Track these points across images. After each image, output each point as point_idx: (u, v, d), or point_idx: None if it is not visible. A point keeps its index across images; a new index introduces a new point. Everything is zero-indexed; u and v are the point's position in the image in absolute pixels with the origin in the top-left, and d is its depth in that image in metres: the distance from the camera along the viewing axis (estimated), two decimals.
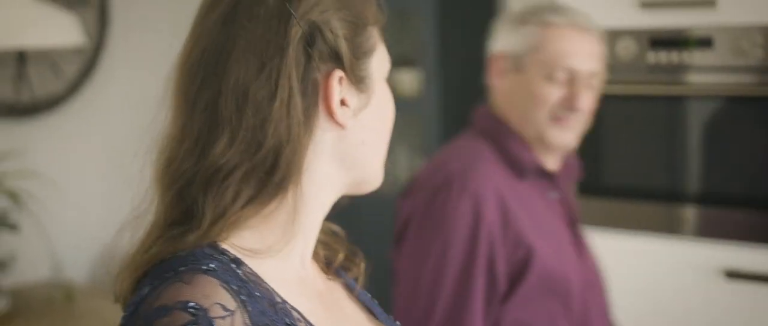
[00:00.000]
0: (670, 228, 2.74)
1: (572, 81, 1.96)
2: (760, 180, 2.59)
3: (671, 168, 2.73)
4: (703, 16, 2.60)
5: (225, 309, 0.95)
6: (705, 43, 2.60)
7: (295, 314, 1.02)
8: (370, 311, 1.22)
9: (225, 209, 1.02)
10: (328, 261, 1.21)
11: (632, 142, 2.79)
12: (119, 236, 1.09)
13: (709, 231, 2.68)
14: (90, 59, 3.85)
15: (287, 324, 1.00)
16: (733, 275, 2.63)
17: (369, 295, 1.23)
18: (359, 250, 1.23)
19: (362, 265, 1.23)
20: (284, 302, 1.02)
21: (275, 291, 1.02)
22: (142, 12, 3.99)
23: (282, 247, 1.05)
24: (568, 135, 2.00)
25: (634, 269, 2.79)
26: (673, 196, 2.72)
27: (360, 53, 1.07)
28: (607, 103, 2.77)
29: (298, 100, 1.02)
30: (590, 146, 2.83)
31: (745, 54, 2.55)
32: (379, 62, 1.10)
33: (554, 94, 1.95)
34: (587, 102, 1.97)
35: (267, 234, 1.05)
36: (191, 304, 0.94)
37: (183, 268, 0.98)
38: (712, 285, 2.66)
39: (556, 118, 1.97)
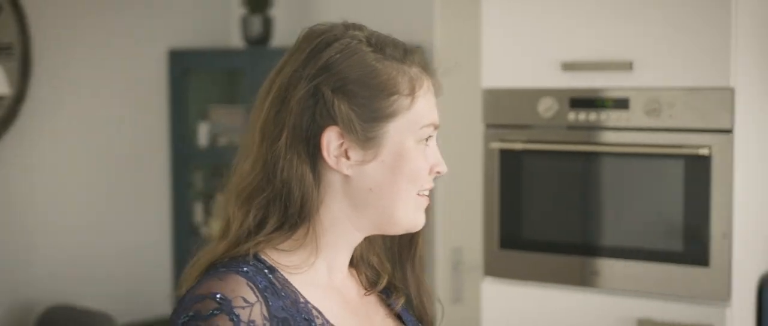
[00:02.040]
0: (587, 280, 2.86)
1: None
2: (671, 235, 2.73)
3: (588, 223, 2.86)
4: (620, 78, 2.76)
5: (246, 301, 1.24)
6: (622, 103, 2.76)
7: (314, 312, 1.30)
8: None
9: (253, 229, 1.31)
10: (371, 281, 1.46)
11: (552, 197, 2.92)
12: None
13: (622, 283, 2.81)
14: (10, 109, 3.83)
15: (305, 318, 1.28)
16: (645, 325, 2.76)
17: (414, 319, 1.48)
18: (425, 287, 1.50)
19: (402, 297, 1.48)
20: (307, 302, 1.30)
21: (300, 294, 1.31)
22: (62, 63, 4.00)
23: (310, 265, 1.33)
24: None
25: (554, 321, 2.90)
26: (590, 250, 2.85)
27: (372, 116, 1.31)
28: (529, 159, 2.91)
29: (300, 145, 1.30)
30: (512, 201, 2.95)
31: (660, 114, 2.71)
32: (402, 126, 1.33)
33: None
34: None
35: (298, 255, 1.33)
36: (219, 295, 1.24)
37: (223, 269, 1.28)
38: None
39: None
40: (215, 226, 1.38)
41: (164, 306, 4.15)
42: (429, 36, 3.69)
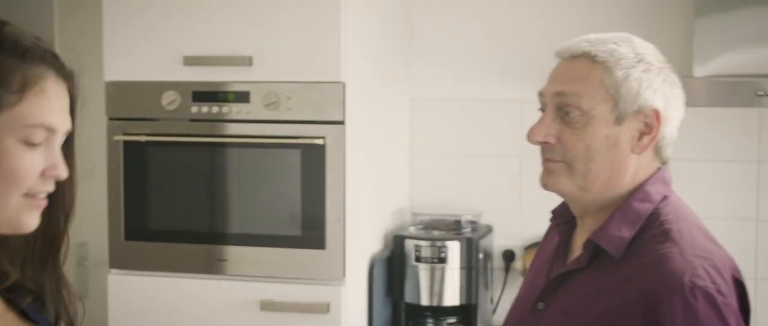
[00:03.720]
0: (214, 267, 2.95)
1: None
2: (291, 221, 2.89)
3: (213, 212, 2.95)
4: (241, 73, 2.87)
5: None
6: (243, 96, 2.88)
7: None
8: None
9: None
10: None
11: (178, 188, 2.98)
12: None
13: (247, 268, 2.94)
14: None
15: None
16: (268, 307, 2.90)
17: (47, 318, 1.45)
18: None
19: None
20: None
21: None
22: None
23: None
24: (542, 174, 1.76)
25: (183, 309, 2.97)
26: (216, 237, 2.95)
27: None
28: (153, 151, 2.96)
29: None
30: (137, 192, 2.98)
31: (278, 107, 2.86)
32: (3, 122, 1.30)
33: None
34: (542, 134, 1.71)
35: None
36: None
37: None
38: (250, 317, 2.91)
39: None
40: None
41: None
42: (50, 29, 3.61)
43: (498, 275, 3.37)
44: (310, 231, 2.89)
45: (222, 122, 2.91)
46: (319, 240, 2.88)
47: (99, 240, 3.37)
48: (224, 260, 2.95)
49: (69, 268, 3.60)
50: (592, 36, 1.73)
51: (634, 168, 1.69)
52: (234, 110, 2.90)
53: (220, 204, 2.95)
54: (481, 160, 3.39)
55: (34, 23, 3.72)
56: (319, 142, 2.84)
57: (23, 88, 1.31)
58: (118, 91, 2.97)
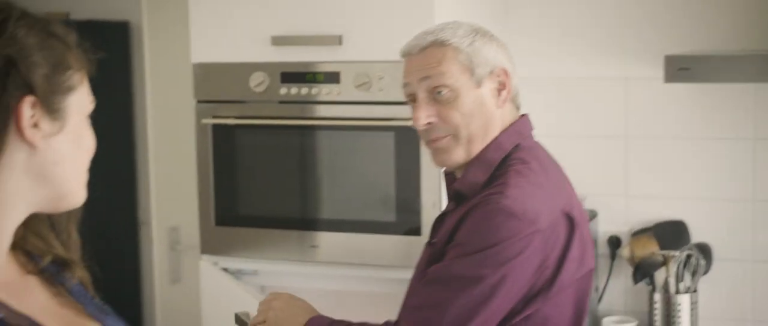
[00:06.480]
0: (306, 253, 2.87)
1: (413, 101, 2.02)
2: (385, 206, 2.79)
3: (304, 197, 2.87)
4: (330, 53, 2.77)
5: None
6: (333, 77, 2.78)
7: None
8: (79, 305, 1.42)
9: None
10: (32, 259, 1.39)
11: (268, 172, 2.91)
12: None
13: (340, 255, 2.85)
14: None
15: None
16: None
17: (90, 296, 1.44)
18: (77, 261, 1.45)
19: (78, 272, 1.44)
20: None
21: None
22: None
23: None
24: (435, 155, 2.06)
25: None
26: (307, 223, 2.86)
27: (58, 88, 1.29)
28: (242, 134, 2.88)
29: None
30: (226, 177, 2.91)
31: (370, 88, 2.75)
32: (78, 100, 1.32)
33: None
34: (425, 116, 1.99)
35: None
36: None
37: None
38: (344, 304, 2.82)
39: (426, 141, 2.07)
40: None
41: None
42: (137, 11, 3.57)
43: (603, 262, 3.19)
44: (405, 216, 2.78)
45: (312, 104, 2.82)
46: (414, 226, 2.77)
47: (189, 224, 3.33)
48: (316, 246, 2.86)
49: (162, 252, 3.60)
50: (429, 28, 2.03)
51: (500, 121, 2.00)
52: (324, 91, 2.80)
53: (311, 188, 2.86)
54: (586, 141, 3.21)
55: (123, 7, 3.69)
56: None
57: (80, 67, 1.35)
58: (205, 73, 2.90)
